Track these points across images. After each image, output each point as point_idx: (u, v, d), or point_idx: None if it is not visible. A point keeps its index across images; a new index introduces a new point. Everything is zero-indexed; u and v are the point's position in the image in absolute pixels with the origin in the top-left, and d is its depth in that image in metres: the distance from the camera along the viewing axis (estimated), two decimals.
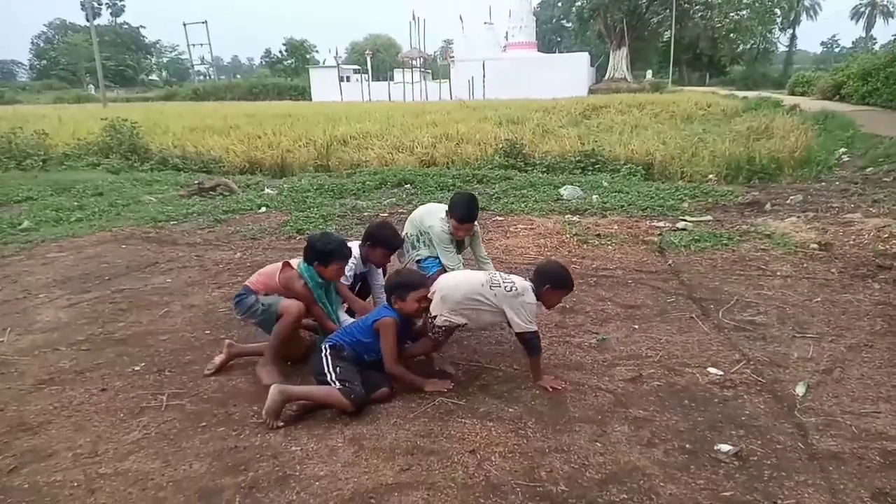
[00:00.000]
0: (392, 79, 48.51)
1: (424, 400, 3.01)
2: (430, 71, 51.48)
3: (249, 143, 13.35)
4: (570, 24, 66.75)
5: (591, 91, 39.70)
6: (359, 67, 53.79)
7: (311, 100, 45.79)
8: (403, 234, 4.00)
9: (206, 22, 61.85)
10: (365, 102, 34.19)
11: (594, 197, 7.85)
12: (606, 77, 48.99)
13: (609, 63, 50.58)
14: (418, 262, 3.97)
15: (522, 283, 3.18)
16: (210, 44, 65.14)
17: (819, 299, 4.30)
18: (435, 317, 3.11)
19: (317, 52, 73.42)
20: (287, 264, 3.41)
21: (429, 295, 3.15)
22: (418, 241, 3.99)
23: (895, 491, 2.30)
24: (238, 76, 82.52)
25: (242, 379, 3.31)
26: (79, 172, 11.16)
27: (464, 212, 3.83)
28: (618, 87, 39.97)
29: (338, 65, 48.76)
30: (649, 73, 51.26)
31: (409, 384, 3.12)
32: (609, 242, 5.89)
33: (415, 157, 11.75)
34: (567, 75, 39.74)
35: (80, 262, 5.64)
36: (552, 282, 3.20)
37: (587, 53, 48.21)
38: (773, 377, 3.20)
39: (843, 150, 11.68)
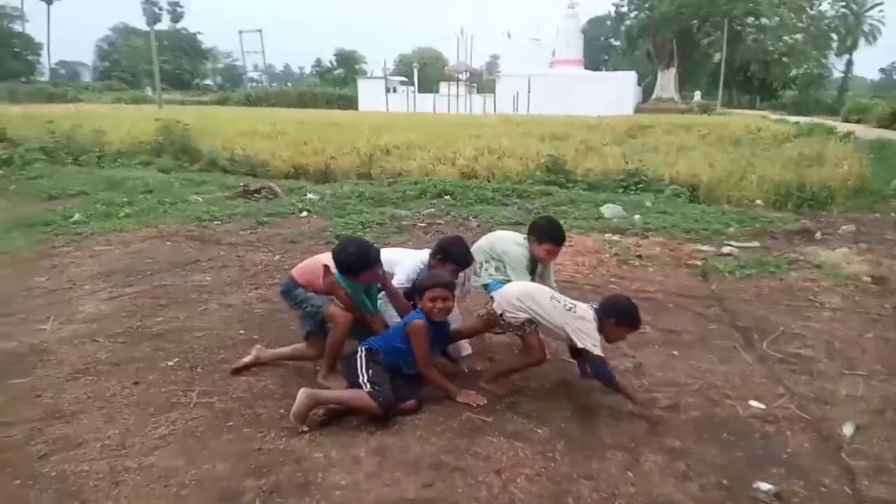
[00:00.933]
0: (438, 91, 48.96)
1: (451, 415, 2.95)
2: (475, 85, 51.78)
3: (296, 149, 13.59)
4: (618, 43, 66.32)
5: (637, 110, 39.21)
6: (405, 79, 54.57)
7: (357, 109, 46.52)
8: None
9: (260, 31, 63.90)
10: (410, 113, 34.51)
11: (636, 217, 7.68)
12: (654, 97, 48.41)
13: (657, 83, 49.98)
14: (485, 286, 3.82)
15: (585, 310, 3.10)
16: (263, 52, 67.18)
17: (871, 335, 4.08)
18: (501, 314, 3.10)
19: (366, 63, 74.93)
20: (327, 269, 3.39)
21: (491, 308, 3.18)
22: (481, 267, 3.88)
23: None
24: (289, 84, 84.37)
25: (272, 380, 3.32)
26: (131, 170, 11.53)
27: (559, 233, 3.73)
28: (665, 108, 39.44)
29: (385, 76, 49.55)
30: (698, 95, 50.14)
31: (441, 389, 3.09)
32: (650, 264, 5.73)
33: (456, 168, 11.74)
34: (613, 93, 39.49)
35: (125, 256, 5.80)
36: (617, 316, 3.09)
37: (634, 72, 47.75)
38: (819, 415, 3.03)
39: None
